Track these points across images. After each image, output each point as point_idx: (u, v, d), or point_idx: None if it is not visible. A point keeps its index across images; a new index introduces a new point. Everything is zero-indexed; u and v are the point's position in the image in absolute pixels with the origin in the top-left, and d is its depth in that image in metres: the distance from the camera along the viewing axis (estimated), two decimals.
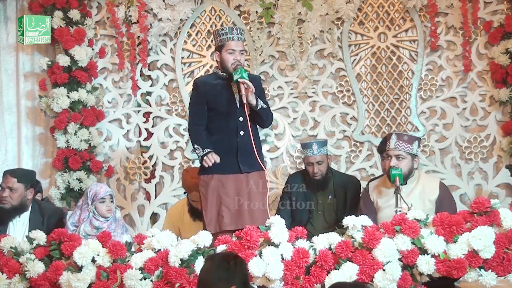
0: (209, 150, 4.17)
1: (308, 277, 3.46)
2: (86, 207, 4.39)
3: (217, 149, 4.20)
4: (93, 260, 3.65)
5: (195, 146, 4.24)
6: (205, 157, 4.14)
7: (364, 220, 3.59)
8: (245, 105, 4.16)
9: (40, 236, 3.82)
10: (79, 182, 5.61)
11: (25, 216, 4.57)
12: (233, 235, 3.68)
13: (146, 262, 3.58)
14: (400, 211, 3.86)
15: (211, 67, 5.73)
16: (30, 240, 3.83)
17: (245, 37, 4.37)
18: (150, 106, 5.81)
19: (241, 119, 4.23)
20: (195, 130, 4.29)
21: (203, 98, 4.27)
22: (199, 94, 4.29)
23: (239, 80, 4.11)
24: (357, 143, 5.53)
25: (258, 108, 4.21)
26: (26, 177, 4.64)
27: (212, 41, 5.72)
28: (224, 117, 4.24)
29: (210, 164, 4.13)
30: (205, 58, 5.76)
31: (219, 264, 2.90)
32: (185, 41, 5.79)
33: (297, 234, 3.63)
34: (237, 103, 4.25)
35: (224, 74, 4.28)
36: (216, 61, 4.34)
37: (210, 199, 4.20)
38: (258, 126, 4.39)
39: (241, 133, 4.22)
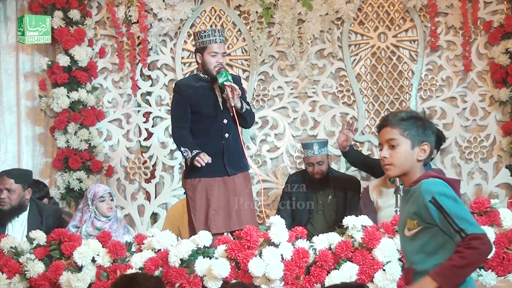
0: (198, 151, 4.10)
1: (308, 277, 3.47)
2: (87, 208, 4.37)
3: (203, 152, 4.17)
4: (93, 260, 3.66)
5: (182, 149, 4.18)
6: (196, 158, 4.07)
7: (364, 220, 3.59)
8: (229, 108, 4.16)
9: (40, 236, 3.82)
10: (79, 182, 5.60)
11: (24, 216, 4.56)
12: (232, 235, 3.69)
13: (146, 262, 3.59)
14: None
15: None
16: (30, 240, 3.83)
17: (225, 37, 4.36)
18: (150, 106, 5.80)
19: (225, 121, 4.22)
20: (179, 133, 4.25)
21: (186, 101, 4.24)
22: (182, 97, 4.25)
23: (225, 83, 4.10)
24: (357, 143, 5.53)
25: (243, 110, 4.21)
26: (23, 177, 4.62)
27: None
28: (208, 120, 4.21)
29: (204, 164, 4.05)
30: None
31: None
32: (185, 41, 5.79)
33: (297, 234, 3.63)
34: (221, 105, 4.24)
35: (206, 76, 4.26)
36: (198, 62, 4.31)
37: (198, 202, 4.17)
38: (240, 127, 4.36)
39: (226, 135, 4.22)
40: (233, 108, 4.15)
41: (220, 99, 4.24)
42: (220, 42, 4.22)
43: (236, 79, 4.30)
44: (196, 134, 4.22)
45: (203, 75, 4.28)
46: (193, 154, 4.10)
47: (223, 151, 4.20)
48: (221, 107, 4.23)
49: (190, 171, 4.20)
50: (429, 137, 2.54)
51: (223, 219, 4.13)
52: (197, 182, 4.18)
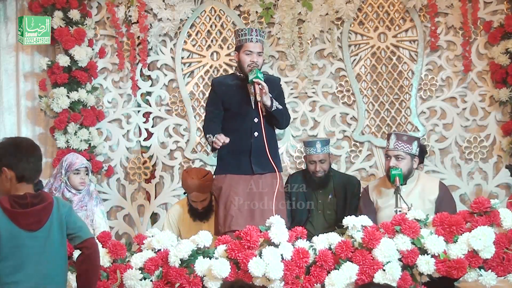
0: (220, 133, 4.21)
1: (308, 277, 3.46)
2: (60, 176, 4.29)
3: (231, 149, 4.27)
4: None
5: (207, 136, 4.29)
6: (214, 139, 4.17)
7: (364, 220, 3.59)
8: (259, 106, 4.20)
9: None
10: None
11: None
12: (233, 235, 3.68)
13: (146, 262, 3.59)
14: (400, 211, 3.87)
15: (211, 67, 5.73)
16: None
17: (265, 38, 4.43)
18: (150, 106, 5.81)
19: (255, 120, 4.28)
20: (207, 125, 4.36)
21: (219, 98, 4.36)
22: (216, 94, 4.39)
23: (254, 80, 4.16)
24: (357, 143, 5.53)
25: (273, 109, 4.26)
26: None
27: (212, 41, 5.75)
28: (238, 118, 4.29)
29: (220, 144, 4.15)
30: (205, 58, 5.76)
31: None
32: (185, 41, 5.79)
33: (297, 234, 3.63)
34: (252, 104, 4.30)
35: (242, 75, 4.34)
36: (236, 61, 4.42)
37: (223, 197, 4.27)
38: (274, 128, 4.44)
39: (255, 134, 4.26)
40: (262, 107, 4.19)
41: (252, 98, 4.30)
42: (257, 41, 4.30)
43: (275, 81, 4.44)
44: (227, 131, 4.28)
45: (239, 74, 4.37)
46: (214, 137, 4.18)
47: (250, 149, 4.26)
48: (253, 106, 4.29)
49: (219, 167, 4.35)
50: None
51: (244, 216, 4.19)
52: (224, 178, 4.29)
